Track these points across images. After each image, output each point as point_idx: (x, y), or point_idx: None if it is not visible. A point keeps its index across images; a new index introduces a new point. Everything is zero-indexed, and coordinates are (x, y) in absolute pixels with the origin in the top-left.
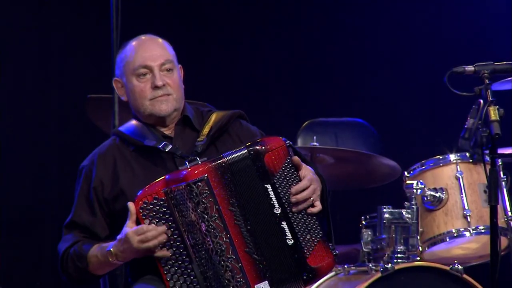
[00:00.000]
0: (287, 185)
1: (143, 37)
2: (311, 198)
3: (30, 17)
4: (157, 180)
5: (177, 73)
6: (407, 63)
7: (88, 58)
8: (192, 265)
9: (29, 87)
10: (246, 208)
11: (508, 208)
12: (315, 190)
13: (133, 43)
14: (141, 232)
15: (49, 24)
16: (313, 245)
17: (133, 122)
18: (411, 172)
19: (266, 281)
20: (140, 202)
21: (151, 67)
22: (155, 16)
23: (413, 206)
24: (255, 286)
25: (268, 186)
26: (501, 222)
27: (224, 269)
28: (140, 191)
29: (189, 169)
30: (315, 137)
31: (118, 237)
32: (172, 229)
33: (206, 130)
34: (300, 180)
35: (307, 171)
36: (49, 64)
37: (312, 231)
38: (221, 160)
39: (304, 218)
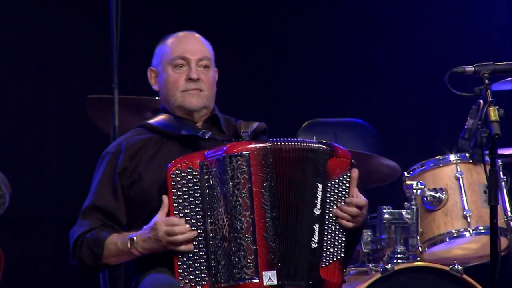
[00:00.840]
0: (337, 194)
1: (185, 32)
2: (355, 218)
3: (30, 17)
4: (195, 153)
5: (213, 73)
6: (407, 63)
7: (88, 58)
8: (205, 245)
9: (29, 87)
10: (278, 196)
11: (508, 209)
12: (363, 215)
13: (176, 35)
14: (171, 223)
15: (49, 24)
16: (331, 259)
17: (163, 116)
18: (411, 172)
19: (275, 271)
20: (174, 168)
21: (189, 59)
22: (155, 16)
23: (413, 207)
24: (263, 272)
25: (319, 185)
26: (501, 222)
27: (238, 247)
28: (173, 161)
29: (233, 144)
30: (315, 137)
31: (145, 226)
32: (197, 203)
33: (245, 127)
34: (349, 195)
35: (360, 196)
36: (49, 64)
37: (336, 247)
38: (266, 144)
39: (336, 232)
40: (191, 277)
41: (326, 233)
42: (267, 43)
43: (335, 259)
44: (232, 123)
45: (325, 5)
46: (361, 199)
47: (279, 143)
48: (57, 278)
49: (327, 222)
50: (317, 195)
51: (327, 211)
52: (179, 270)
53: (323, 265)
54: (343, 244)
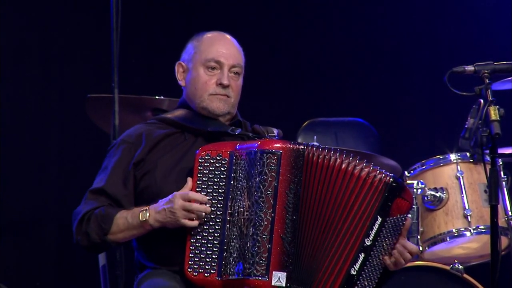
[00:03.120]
0: (391, 231)
1: (222, 33)
2: (399, 262)
3: (30, 17)
4: (226, 142)
5: (241, 80)
6: (407, 63)
7: (88, 58)
8: (220, 234)
9: (29, 87)
10: (308, 200)
11: (509, 208)
12: (407, 262)
13: (211, 35)
14: (188, 198)
15: (49, 24)
16: None
17: (184, 111)
18: (412, 172)
19: (285, 273)
20: (203, 153)
21: (223, 64)
22: (155, 16)
23: (413, 206)
24: (274, 272)
25: (379, 219)
26: (501, 221)
27: (253, 243)
28: (203, 146)
29: (266, 141)
30: (315, 137)
31: (161, 200)
32: (220, 191)
33: (270, 132)
34: (399, 235)
35: (413, 245)
36: (49, 64)
37: (371, 281)
38: (300, 146)
39: (376, 268)
40: (201, 263)
41: (367, 265)
42: (267, 43)
43: None
44: (247, 127)
45: (325, 4)
46: (415, 247)
47: (317, 148)
48: (57, 278)
49: (372, 255)
50: (373, 227)
51: (377, 245)
52: (190, 255)
53: None
54: (376, 281)
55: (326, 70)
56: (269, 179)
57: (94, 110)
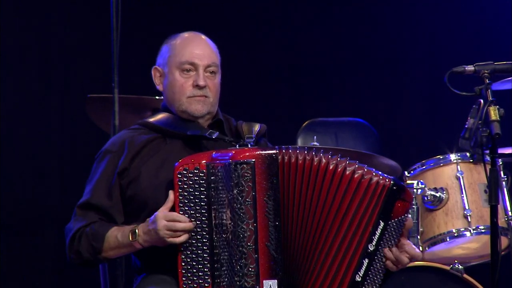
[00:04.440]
0: (393, 234)
1: (194, 34)
2: (400, 264)
3: (30, 17)
4: (202, 153)
5: (218, 78)
6: (407, 63)
7: (88, 58)
8: (209, 247)
9: (29, 87)
10: (283, 205)
11: (509, 208)
12: (402, 265)
13: (184, 37)
14: (171, 218)
15: (49, 24)
16: None
17: (165, 115)
18: (412, 172)
19: (276, 280)
20: (181, 168)
21: (197, 65)
22: (155, 16)
23: (413, 206)
24: (264, 281)
25: (381, 223)
26: (501, 222)
27: (240, 255)
28: (180, 160)
29: (239, 150)
30: (315, 137)
31: (148, 218)
32: (202, 204)
33: (249, 132)
34: (400, 236)
35: (414, 247)
36: (49, 64)
37: (375, 284)
38: (272, 151)
39: (379, 271)
40: (194, 278)
41: (371, 270)
42: (267, 43)
43: None
44: (231, 123)
45: (325, 4)
46: (417, 252)
47: (288, 151)
48: (57, 278)
49: (376, 259)
50: (376, 232)
51: (379, 249)
52: (182, 271)
53: None
54: (379, 283)
55: (326, 70)
56: (246, 189)
57: (94, 110)
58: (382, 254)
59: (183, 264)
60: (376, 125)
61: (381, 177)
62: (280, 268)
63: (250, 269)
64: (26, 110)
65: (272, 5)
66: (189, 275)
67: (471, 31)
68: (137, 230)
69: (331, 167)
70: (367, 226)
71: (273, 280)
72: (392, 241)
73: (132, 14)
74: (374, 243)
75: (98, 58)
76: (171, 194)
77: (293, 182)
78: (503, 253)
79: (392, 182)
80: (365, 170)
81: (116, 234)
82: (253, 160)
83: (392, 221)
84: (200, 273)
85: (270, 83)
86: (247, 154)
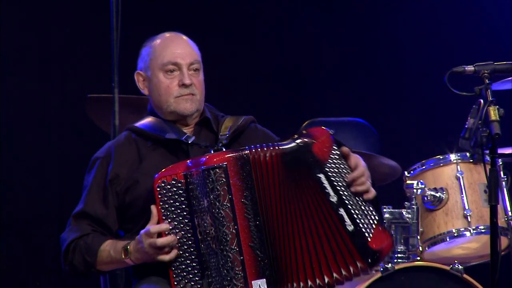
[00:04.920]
0: (339, 172)
1: (172, 34)
2: (367, 185)
3: (30, 17)
4: (178, 163)
5: (202, 75)
6: (407, 63)
7: (88, 58)
8: (197, 255)
9: (29, 87)
10: (261, 202)
11: (508, 208)
12: (369, 177)
13: (162, 38)
14: (150, 235)
15: (49, 24)
16: (372, 228)
17: (150, 118)
18: (411, 172)
19: (264, 279)
20: (159, 181)
21: (180, 64)
22: (155, 16)
23: (413, 206)
24: (252, 282)
25: (321, 175)
26: (501, 222)
27: (225, 260)
28: (159, 173)
29: (211, 156)
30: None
31: (138, 236)
32: (184, 214)
33: (225, 129)
34: (350, 167)
35: (357, 159)
36: (49, 64)
37: (368, 215)
38: (243, 152)
39: (359, 203)
40: (185, 281)
41: (353, 210)
42: (267, 43)
43: (373, 225)
44: (218, 118)
45: (325, 4)
46: (359, 169)
47: (257, 149)
48: (57, 278)
49: (347, 201)
50: (325, 185)
51: (341, 192)
52: (175, 283)
53: (369, 239)
54: (371, 208)
55: (326, 70)
56: (222, 193)
57: (94, 110)
58: (348, 193)
59: (174, 276)
60: (376, 125)
61: (292, 145)
62: (267, 267)
63: (237, 271)
64: (26, 110)
65: (273, 5)
66: (181, 286)
67: (471, 31)
68: (129, 247)
69: None
70: (316, 188)
71: (261, 280)
72: (344, 176)
73: (132, 14)
74: (332, 193)
75: (98, 58)
76: (153, 209)
77: (267, 179)
78: (503, 253)
79: (295, 142)
80: (285, 147)
81: (109, 250)
82: (225, 163)
83: (327, 163)
84: (192, 283)
85: (270, 83)
86: (218, 158)
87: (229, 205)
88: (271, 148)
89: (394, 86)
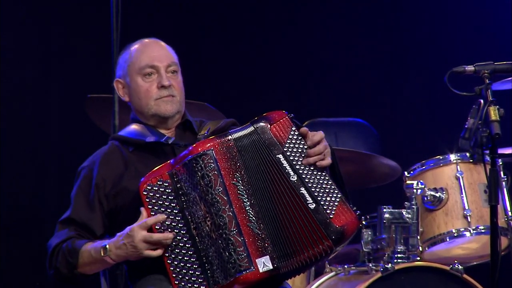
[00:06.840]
0: (298, 152)
1: (147, 39)
2: (323, 153)
3: (30, 16)
4: (161, 165)
5: (181, 77)
6: (407, 63)
7: (88, 58)
8: (195, 250)
9: (29, 87)
10: (251, 182)
11: (509, 208)
12: (327, 146)
13: (138, 44)
14: (146, 227)
15: (49, 24)
16: (334, 205)
17: (133, 126)
18: (411, 172)
19: (268, 256)
20: (145, 185)
21: (158, 67)
22: (155, 16)
23: (413, 206)
24: (256, 260)
25: (280, 156)
26: (501, 222)
27: (226, 243)
28: (144, 177)
29: (194, 146)
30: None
31: (118, 233)
32: (175, 212)
33: (204, 130)
34: (305, 145)
35: (317, 136)
36: (49, 64)
37: (330, 192)
38: (226, 137)
39: (320, 181)
40: (188, 285)
41: (313, 189)
42: (267, 43)
43: (336, 203)
44: (201, 121)
45: (326, 5)
46: (318, 135)
47: (236, 133)
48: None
49: (307, 179)
50: (284, 165)
51: (301, 170)
52: (175, 282)
53: (331, 216)
54: (334, 187)
55: (326, 70)
56: (213, 178)
57: (94, 110)
58: (306, 171)
59: (174, 275)
60: (376, 125)
61: (251, 128)
62: (268, 244)
63: (240, 252)
64: (26, 110)
65: (273, 5)
66: (183, 283)
67: (471, 31)
68: (107, 246)
69: None
70: (278, 168)
71: (265, 257)
72: (302, 153)
73: (132, 14)
74: (292, 173)
75: (98, 58)
76: (143, 211)
77: (252, 159)
78: (503, 253)
79: (252, 125)
80: (248, 130)
81: (90, 250)
82: (211, 149)
83: (285, 144)
84: (193, 278)
85: (270, 83)
86: (203, 146)
87: (221, 188)
88: (244, 130)
89: (394, 86)
